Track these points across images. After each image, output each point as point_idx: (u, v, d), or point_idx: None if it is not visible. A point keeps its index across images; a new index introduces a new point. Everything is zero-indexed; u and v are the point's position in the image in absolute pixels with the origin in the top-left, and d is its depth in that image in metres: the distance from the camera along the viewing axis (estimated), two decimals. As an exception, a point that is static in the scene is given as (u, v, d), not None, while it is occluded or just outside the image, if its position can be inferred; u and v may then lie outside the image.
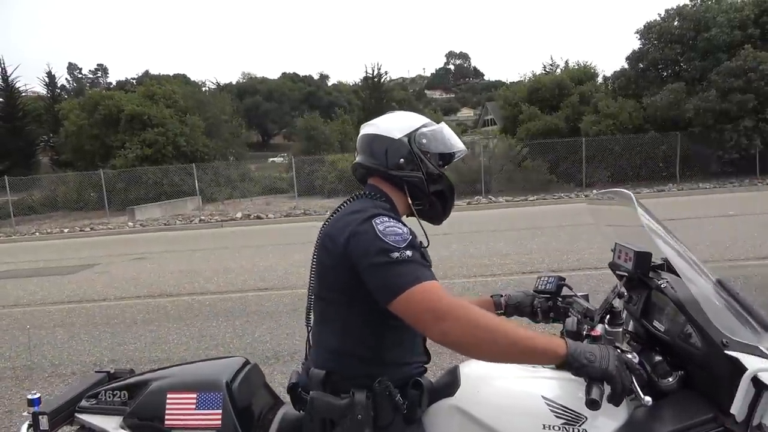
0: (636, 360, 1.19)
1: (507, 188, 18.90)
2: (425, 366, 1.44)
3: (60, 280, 8.59)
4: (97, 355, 4.72)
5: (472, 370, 1.40)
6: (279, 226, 15.08)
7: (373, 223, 1.27)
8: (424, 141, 1.48)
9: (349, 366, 1.34)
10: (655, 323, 1.33)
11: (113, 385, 1.44)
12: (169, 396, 1.34)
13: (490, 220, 12.67)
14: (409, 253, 1.23)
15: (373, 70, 40.41)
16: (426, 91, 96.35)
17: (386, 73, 46.45)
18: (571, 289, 1.67)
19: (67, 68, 79.20)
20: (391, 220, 1.30)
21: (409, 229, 1.32)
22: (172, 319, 5.69)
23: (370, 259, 1.23)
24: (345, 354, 1.35)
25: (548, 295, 1.68)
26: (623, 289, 1.39)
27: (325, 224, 1.42)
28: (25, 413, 1.41)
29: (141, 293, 7.12)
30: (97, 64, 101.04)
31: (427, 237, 1.48)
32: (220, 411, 1.31)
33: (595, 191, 1.89)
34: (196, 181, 20.74)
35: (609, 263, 1.56)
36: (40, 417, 1.34)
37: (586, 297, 1.63)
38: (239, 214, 17.72)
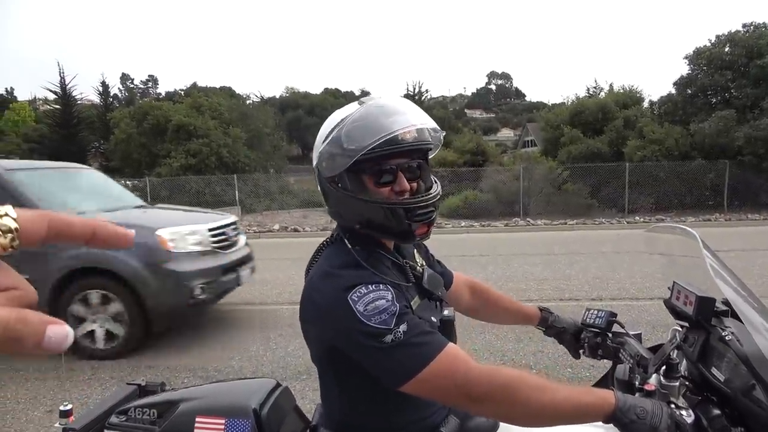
0: (692, 418, 1.10)
1: (546, 211, 18.58)
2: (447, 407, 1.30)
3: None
4: (134, 361, 4.79)
5: None
6: (315, 239, 15.04)
7: (350, 302, 1.05)
8: (324, 164, 1.16)
9: None
10: (714, 371, 1.23)
11: (143, 402, 1.43)
12: (197, 419, 1.31)
13: (528, 243, 12.44)
14: (403, 328, 1.03)
15: (414, 88, 40.76)
16: (466, 110, 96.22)
17: (427, 91, 46.81)
18: (622, 326, 1.55)
19: (120, 78, 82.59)
20: (370, 287, 1.07)
21: (391, 283, 1.11)
22: (207, 328, 5.74)
23: (359, 347, 1.05)
24: (351, 426, 1.21)
25: (597, 330, 1.58)
26: (681, 341, 1.30)
27: (308, 269, 1.24)
28: (57, 424, 1.42)
29: (177, 301, 7.22)
30: (149, 75, 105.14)
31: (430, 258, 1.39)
32: (248, 438, 1.28)
33: (657, 225, 1.78)
34: (237, 191, 21.14)
35: (664, 300, 1.47)
36: (69, 432, 1.34)
37: (638, 337, 1.52)
38: (277, 226, 17.94)
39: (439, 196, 1.20)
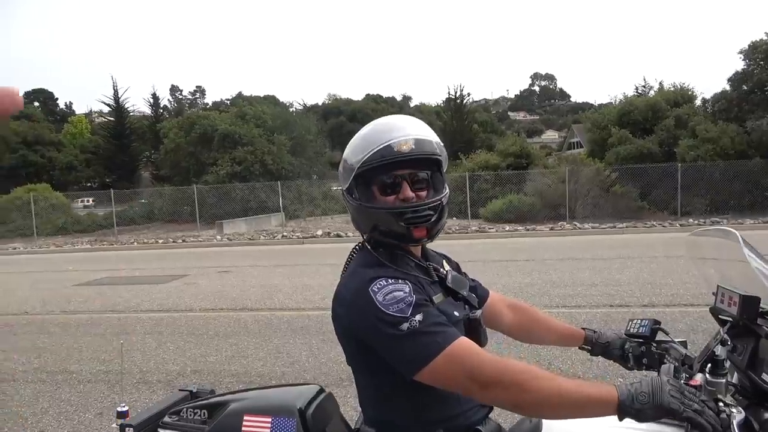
0: (742, 415, 1.06)
1: (592, 214, 18.10)
2: (487, 407, 1.31)
3: (152, 289, 9.13)
4: (181, 365, 4.93)
5: None
6: (358, 244, 15.19)
7: (371, 293, 1.14)
8: (340, 178, 1.31)
9: (395, 430, 1.26)
10: (765, 376, 1.18)
11: (195, 403, 1.48)
12: (245, 418, 1.35)
13: (575, 247, 12.16)
14: (419, 318, 1.10)
15: (456, 92, 40.41)
16: (509, 113, 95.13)
17: (469, 94, 46.23)
18: (667, 333, 1.50)
19: (170, 90, 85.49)
20: (389, 280, 1.16)
21: (413, 280, 1.19)
22: (252, 334, 5.86)
23: (378, 335, 1.12)
24: (386, 422, 1.27)
25: (641, 340, 1.52)
26: (726, 336, 1.25)
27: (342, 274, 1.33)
28: (114, 425, 1.48)
29: (224, 306, 7.41)
30: (196, 86, 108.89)
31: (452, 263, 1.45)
32: (294, 437, 1.31)
33: (698, 229, 1.71)
34: (281, 198, 21.50)
35: (710, 308, 1.42)
36: (126, 429, 1.40)
37: (684, 343, 1.47)
38: (320, 232, 18.15)
39: (435, 203, 1.24)
